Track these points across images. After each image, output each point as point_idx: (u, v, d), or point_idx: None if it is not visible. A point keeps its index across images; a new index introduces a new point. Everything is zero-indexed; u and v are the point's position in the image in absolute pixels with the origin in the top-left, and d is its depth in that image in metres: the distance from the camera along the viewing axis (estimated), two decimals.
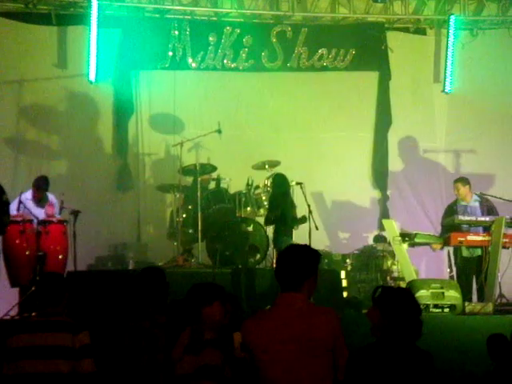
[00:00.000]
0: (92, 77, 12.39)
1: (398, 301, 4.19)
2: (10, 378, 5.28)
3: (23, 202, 10.07)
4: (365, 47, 13.72)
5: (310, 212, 10.79)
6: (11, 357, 5.29)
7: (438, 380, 4.17)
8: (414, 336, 4.16)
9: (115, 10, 12.83)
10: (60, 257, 10.05)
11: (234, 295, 6.44)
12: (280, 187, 10.99)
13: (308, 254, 4.44)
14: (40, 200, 10.43)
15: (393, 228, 11.16)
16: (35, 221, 10.00)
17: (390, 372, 4.10)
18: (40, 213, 10.21)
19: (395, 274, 11.66)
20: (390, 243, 11.37)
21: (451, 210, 11.25)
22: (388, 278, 11.62)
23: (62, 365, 5.27)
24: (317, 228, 10.73)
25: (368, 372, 4.13)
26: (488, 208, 11.19)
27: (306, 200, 10.91)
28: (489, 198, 11.40)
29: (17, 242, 9.83)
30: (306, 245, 4.61)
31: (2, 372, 5.27)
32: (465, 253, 10.96)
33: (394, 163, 13.87)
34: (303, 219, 10.89)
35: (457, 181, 11.46)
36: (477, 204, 11.28)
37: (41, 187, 10.41)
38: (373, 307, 4.21)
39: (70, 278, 9.19)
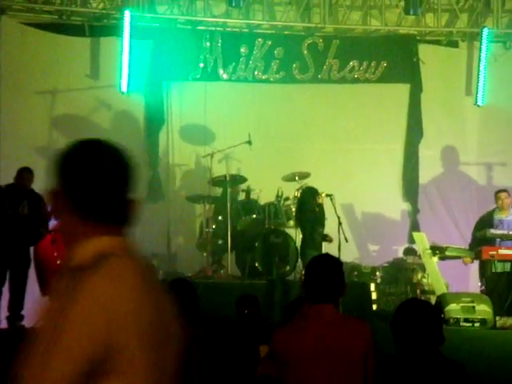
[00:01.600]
0: (124, 87, 12.47)
1: (415, 312, 4.17)
2: None
3: None
4: (396, 59, 13.69)
5: (340, 224, 10.77)
6: None
7: None
8: (436, 343, 4.13)
9: (147, 21, 12.92)
10: None
11: (254, 296, 6.45)
12: (307, 202, 11.03)
13: (338, 265, 4.43)
14: None
15: (423, 241, 11.10)
16: None
17: (420, 381, 4.07)
18: None
19: (425, 288, 11.57)
20: (420, 256, 11.31)
21: (484, 223, 11.16)
22: (418, 291, 11.53)
23: None
24: (346, 240, 10.71)
25: (397, 382, 4.10)
26: None
27: (335, 212, 10.89)
28: None
29: (48, 251, 9.90)
30: (332, 256, 4.59)
31: None
32: (496, 267, 10.87)
33: (425, 176, 13.79)
34: (328, 239, 10.93)
35: (501, 191, 11.35)
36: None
37: None
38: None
39: None
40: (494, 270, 10.88)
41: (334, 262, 4.43)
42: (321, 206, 11.17)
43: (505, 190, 11.37)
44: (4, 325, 9.39)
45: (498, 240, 10.87)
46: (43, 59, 12.60)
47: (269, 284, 10.53)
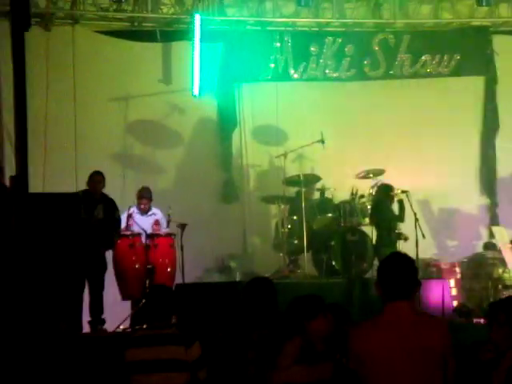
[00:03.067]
0: (196, 91, 12.56)
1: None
2: None
3: (132, 216, 10.28)
4: (470, 52, 13.49)
5: (417, 220, 10.67)
6: (130, 370, 5.39)
7: None
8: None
9: (217, 24, 13.00)
10: (168, 269, 10.20)
11: (335, 304, 6.40)
12: (382, 199, 10.96)
13: (410, 262, 4.39)
14: (145, 211, 10.65)
15: (503, 235, 10.93)
16: (144, 234, 10.19)
17: None
18: (147, 225, 10.40)
19: (507, 282, 11.38)
20: (500, 250, 11.12)
21: None
22: (499, 286, 11.35)
23: (178, 377, 5.35)
24: (424, 236, 10.61)
25: None
26: None
27: (412, 208, 10.80)
28: None
29: (126, 255, 10.04)
30: (404, 253, 4.55)
31: None
32: None
33: (503, 169, 13.56)
34: (402, 236, 10.84)
35: None
36: None
37: (143, 196, 10.65)
38: None
39: (178, 291, 9.31)
40: None
41: (405, 259, 4.39)
42: (401, 202, 11.06)
43: None
44: (86, 329, 9.54)
45: None
46: (116, 66, 12.77)
47: (347, 282, 10.48)
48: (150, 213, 10.73)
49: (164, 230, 10.51)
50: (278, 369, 4.74)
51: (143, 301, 8.92)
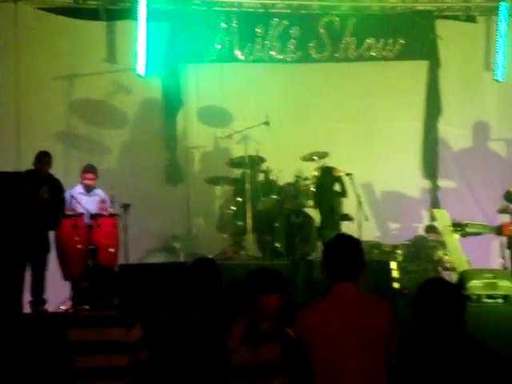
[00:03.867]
0: (141, 71, 12.46)
1: (438, 291, 4.17)
2: (75, 371, 5.37)
3: (74, 197, 10.20)
4: (414, 36, 13.59)
5: (360, 203, 10.76)
6: (72, 351, 5.38)
7: (493, 367, 4.13)
8: (458, 326, 4.13)
9: (163, 3, 12.90)
10: (111, 250, 10.15)
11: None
12: (325, 181, 11.03)
13: (356, 243, 4.43)
14: (90, 189, 10.58)
15: (444, 218, 11.08)
16: (87, 215, 10.12)
17: (443, 360, 4.07)
18: (90, 205, 10.33)
19: (447, 265, 11.54)
20: (441, 233, 11.27)
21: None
22: (440, 268, 11.51)
23: (119, 359, 5.35)
24: (367, 219, 10.71)
25: (420, 361, 4.11)
26: None
27: (355, 191, 10.88)
28: None
29: (69, 236, 9.95)
30: (350, 235, 4.59)
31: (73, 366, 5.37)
32: None
33: (445, 152, 13.73)
34: (348, 217, 10.93)
35: None
36: None
37: (88, 171, 10.59)
38: None
39: (121, 271, 9.27)
40: None
41: (351, 241, 4.44)
42: (339, 179, 11.14)
43: None
44: (27, 309, 9.45)
45: None
46: (60, 44, 12.60)
47: (291, 264, 10.53)
48: (92, 193, 10.66)
49: (108, 210, 10.45)
50: (228, 351, 4.74)
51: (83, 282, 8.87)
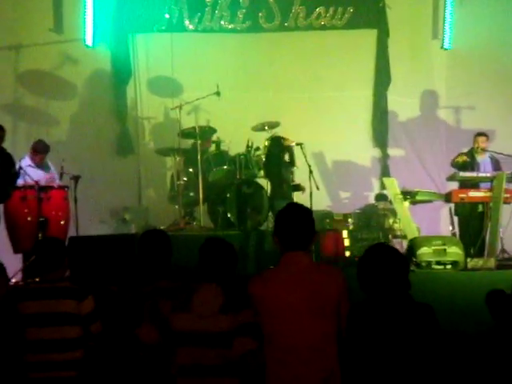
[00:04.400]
0: (89, 41, 12.33)
1: (380, 255, 4.23)
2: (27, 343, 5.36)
3: (23, 169, 10.08)
4: (363, 5, 13.61)
5: (311, 172, 10.79)
6: (24, 323, 5.35)
7: (440, 331, 4.19)
8: (402, 288, 4.19)
9: None
10: (62, 222, 10.07)
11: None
12: (274, 151, 11.05)
13: (307, 212, 4.46)
14: (40, 165, 10.45)
15: (394, 186, 11.16)
16: (36, 187, 10.01)
17: (390, 326, 4.13)
18: (41, 178, 10.22)
19: (397, 232, 11.67)
20: (391, 201, 11.38)
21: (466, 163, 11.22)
22: (390, 236, 11.64)
23: (70, 331, 5.34)
24: (317, 188, 10.75)
25: (368, 327, 4.16)
26: (496, 164, 11.23)
27: (306, 160, 10.91)
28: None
29: (18, 208, 9.84)
30: (301, 204, 4.61)
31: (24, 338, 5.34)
32: (466, 209, 10.96)
33: (394, 121, 13.82)
34: (300, 187, 10.98)
35: (481, 134, 11.41)
36: (488, 160, 11.32)
37: (39, 150, 10.44)
38: None
39: (71, 243, 9.21)
40: (464, 213, 10.99)
41: (302, 210, 4.46)
42: (289, 148, 11.18)
43: (484, 134, 11.43)
44: None
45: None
46: (5, 14, 12.38)
47: (242, 235, 10.55)
48: (41, 165, 10.53)
49: (57, 182, 10.35)
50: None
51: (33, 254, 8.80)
